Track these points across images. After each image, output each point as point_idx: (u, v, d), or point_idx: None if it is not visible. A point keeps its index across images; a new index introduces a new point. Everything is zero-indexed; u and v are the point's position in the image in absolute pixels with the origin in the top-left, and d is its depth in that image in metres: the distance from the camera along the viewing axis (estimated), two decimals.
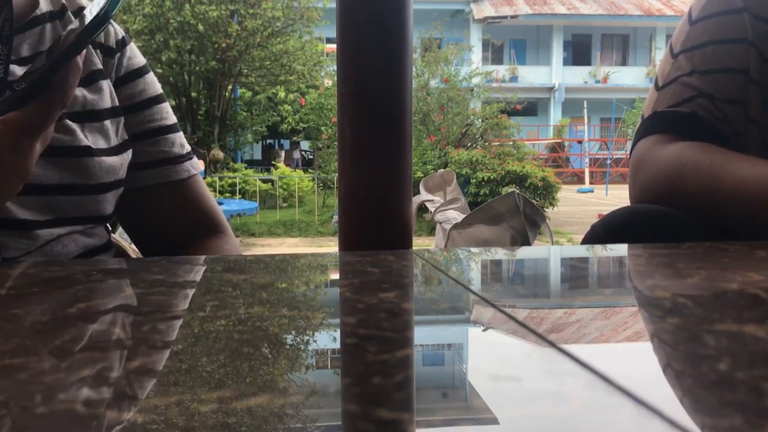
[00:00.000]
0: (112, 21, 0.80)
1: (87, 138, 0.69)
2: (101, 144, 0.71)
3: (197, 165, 0.84)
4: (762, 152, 0.79)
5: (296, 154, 18.57)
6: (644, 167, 0.83)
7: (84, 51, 0.55)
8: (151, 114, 0.79)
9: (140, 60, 0.81)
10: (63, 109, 0.56)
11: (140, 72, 0.79)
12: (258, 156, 20.28)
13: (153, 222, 0.82)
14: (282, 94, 15.30)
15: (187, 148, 0.83)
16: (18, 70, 0.66)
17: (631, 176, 0.86)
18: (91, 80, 0.72)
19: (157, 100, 0.80)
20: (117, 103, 0.75)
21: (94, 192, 0.70)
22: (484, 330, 0.34)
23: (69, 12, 0.74)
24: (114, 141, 0.73)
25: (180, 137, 0.82)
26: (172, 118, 0.82)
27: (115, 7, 0.52)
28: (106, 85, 0.74)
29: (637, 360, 0.27)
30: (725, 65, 0.81)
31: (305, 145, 18.90)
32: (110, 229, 0.81)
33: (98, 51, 0.75)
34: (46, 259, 0.67)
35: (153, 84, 0.81)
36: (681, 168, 0.77)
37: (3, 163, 0.52)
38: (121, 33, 0.79)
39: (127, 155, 0.75)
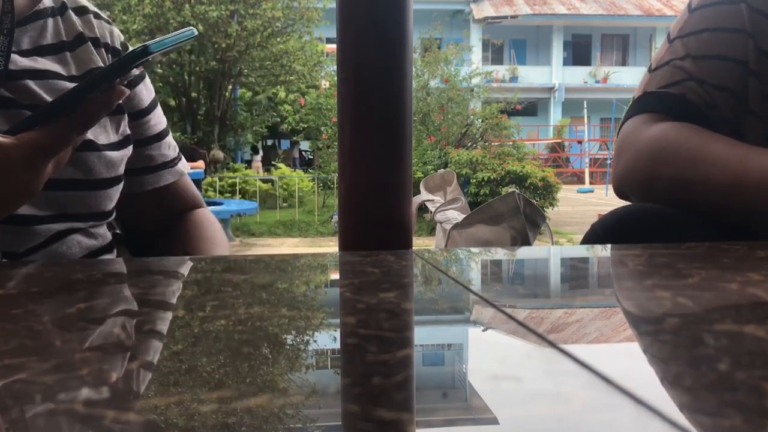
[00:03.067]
0: (113, 24, 0.81)
1: (88, 133, 0.70)
2: (102, 139, 0.72)
3: (186, 165, 0.88)
4: (762, 144, 0.79)
5: (295, 153, 18.57)
6: (628, 147, 0.83)
7: (124, 92, 0.56)
8: (153, 118, 0.82)
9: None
10: (81, 138, 0.57)
11: (141, 76, 0.81)
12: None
13: (145, 218, 0.85)
14: (282, 95, 15.29)
15: (177, 149, 0.87)
16: (20, 61, 0.66)
17: (615, 155, 0.87)
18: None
19: (155, 103, 0.83)
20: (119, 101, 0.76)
21: (94, 188, 0.71)
22: (484, 330, 0.34)
23: (70, 9, 0.74)
24: (114, 137, 0.74)
25: (172, 139, 0.86)
26: (165, 121, 0.85)
27: (157, 48, 0.52)
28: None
29: (637, 360, 0.27)
30: (719, 52, 0.81)
31: (305, 145, 18.90)
32: (114, 226, 0.82)
33: (103, 50, 0.76)
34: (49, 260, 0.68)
35: (150, 88, 0.83)
36: (663, 148, 0.78)
37: (13, 179, 0.53)
38: (121, 36, 0.81)
39: (128, 151, 0.76)
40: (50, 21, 0.72)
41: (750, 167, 0.69)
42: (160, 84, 12.04)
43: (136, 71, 0.80)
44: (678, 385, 0.23)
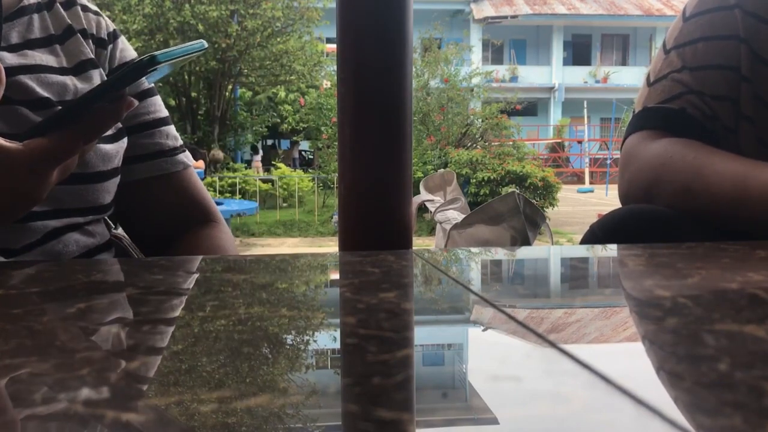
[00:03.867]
0: (102, 14, 0.80)
1: None
2: None
3: (190, 157, 0.85)
4: (756, 148, 0.80)
5: (294, 153, 18.57)
6: (632, 162, 0.84)
7: (133, 103, 0.56)
8: (146, 107, 0.80)
9: (132, 53, 0.81)
10: (88, 146, 0.57)
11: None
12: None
13: (147, 214, 0.82)
14: (282, 94, 15.30)
15: (180, 141, 0.84)
16: (9, 57, 0.66)
17: (620, 171, 0.88)
18: (81, 69, 0.73)
19: (150, 92, 0.81)
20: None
21: (91, 181, 0.70)
22: (484, 330, 0.34)
23: (58, 3, 0.74)
24: (109, 130, 0.73)
25: (172, 129, 0.83)
26: (164, 111, 0.83)
27: (165, 58, 0.51)
28: (97, 74, 0.74)
29: (637, 360, 0.27)
30: (716, 62, 0.82)
31: (305, 145, 18.91)
32: (111, 225, 0.81)
33: (90, 41, 0.75)
34: (47, 258, 0.67)
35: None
36: (666, 162, 0.78)
37: (18, 185, 0.53)
38: (112, 26, 0.80)
39: (123, 143, 0.75)
40: (36, 16, 0.72)
41: (752, 180, 0.69)
42: (160, 84, 12.03)
43: (147, 83, 0.79)
44: (678, 385, 0.23)
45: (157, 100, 0.82)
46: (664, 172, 0.78)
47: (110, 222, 0.81)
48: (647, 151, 0.82)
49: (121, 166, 0.76)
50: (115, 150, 0.73)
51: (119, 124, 0.75)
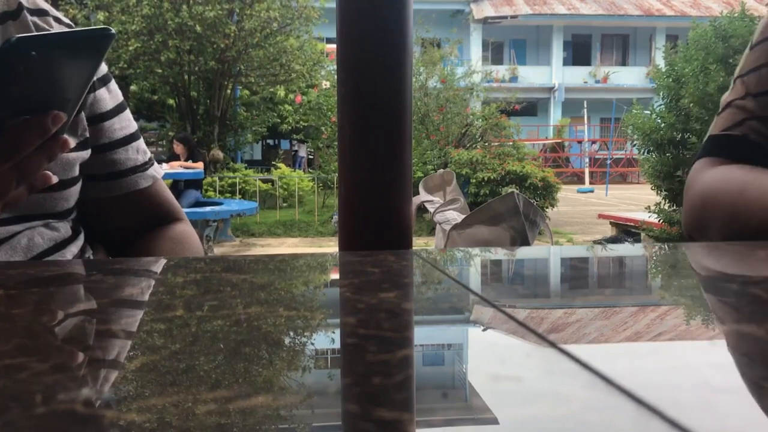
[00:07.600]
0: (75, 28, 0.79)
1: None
2: None
3: (159, 169, 0.87)
4: None
5: (302, 152, 18.49)
6: (688, 190, 0.86)
7: (60, 117, 0.54)
8: (120, 121, 0.80)
9: (104, 67, 0.81)
10: (15, 172, 0.55)
11: (105, 80, 0.80)
12: (258, 156, 20.30)
13: (117, 222, 0.84)
14: (282, 93, 15.29)
15: (149, 154, 0.86)
16: None
17: (683, 200, 0.89)
18: None
19: (122, 107, 0.81)
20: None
21: (50, 189, 0.69)
22: (484, 330, 0.34)
23: (25, 11, 0.72)
24: (71, 140, 0.72)
25: (142, 144, 0.85)
26: (134, 125, 0.84)
27: (30, 42, 0.48)
28: None
29: (637, 360, 0.27)
30: None
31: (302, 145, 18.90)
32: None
33: None
34: (14, 253, 0.67)
35: (117, 91, 0.82)
36: (712, 186, 0.79)
37: None
38: None
39: (84, 153, 0.75)
40: None
41: None
42: (160, 84, 12.03)
43: (100, 76, 0.77)
44: (678, 385, 0.23)
45: (128, 114, 0.83)
46: (710, 198, 0.78)
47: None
48: (701, 179, 0.83)
49: (100, 182, 0.77)
50: (75, 158, 0.73)
51: (86, 134, 0.75)
